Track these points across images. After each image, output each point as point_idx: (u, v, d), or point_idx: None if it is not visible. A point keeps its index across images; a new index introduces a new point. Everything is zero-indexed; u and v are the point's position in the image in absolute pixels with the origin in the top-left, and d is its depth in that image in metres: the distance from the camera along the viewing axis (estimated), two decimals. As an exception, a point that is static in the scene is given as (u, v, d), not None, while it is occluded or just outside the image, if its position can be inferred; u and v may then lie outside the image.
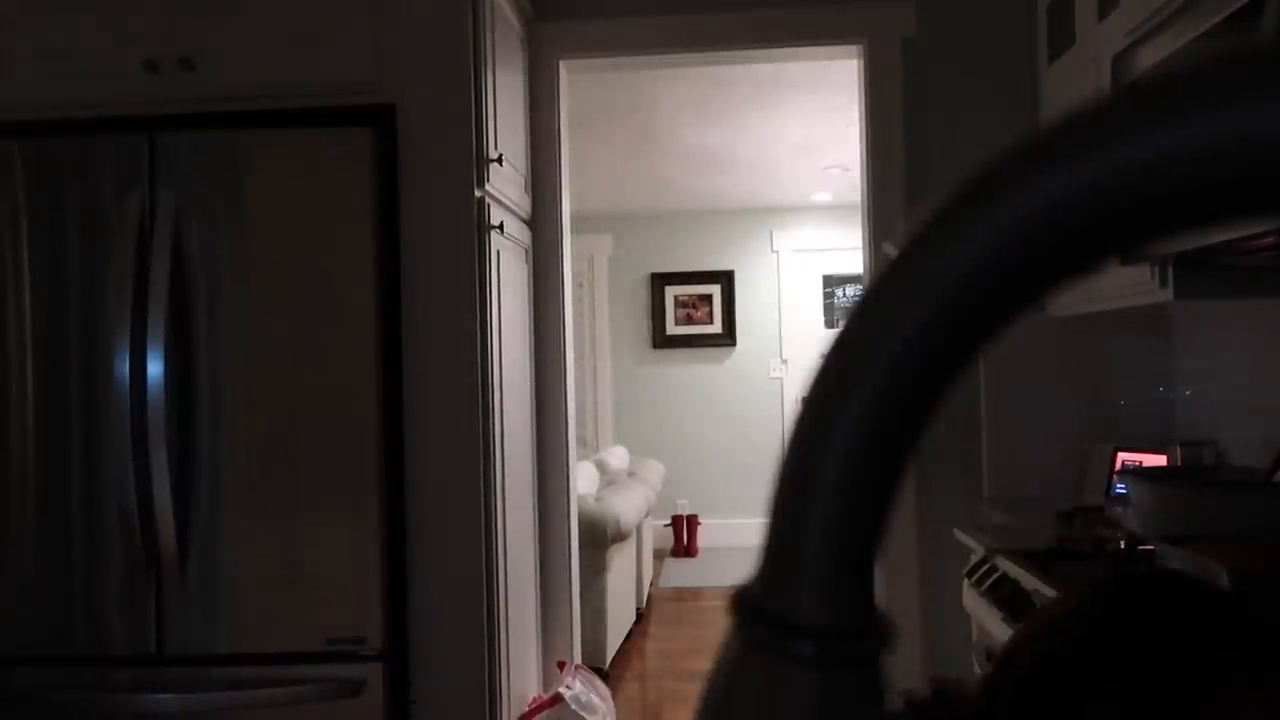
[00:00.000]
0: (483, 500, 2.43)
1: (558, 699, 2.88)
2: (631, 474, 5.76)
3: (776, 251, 7.55)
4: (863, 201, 3.11)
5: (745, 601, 0.27)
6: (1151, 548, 1.83)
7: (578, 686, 2.99)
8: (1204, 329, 2.76)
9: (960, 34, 3.00)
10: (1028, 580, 1.97)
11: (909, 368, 0.25)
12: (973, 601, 2.19)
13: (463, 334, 2.43)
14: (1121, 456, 2.79)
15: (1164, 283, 2.15)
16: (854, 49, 3.07)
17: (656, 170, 6.14)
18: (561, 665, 3.06)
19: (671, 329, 7.59)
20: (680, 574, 6.60)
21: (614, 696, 3.77)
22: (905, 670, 2.85)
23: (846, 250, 7.39)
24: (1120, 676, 0.54)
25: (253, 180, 2.38)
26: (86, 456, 2.36)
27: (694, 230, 7.58)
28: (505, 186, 2.70)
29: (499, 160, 2.58)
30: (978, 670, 2.10)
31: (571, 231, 3.25)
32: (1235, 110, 0.21)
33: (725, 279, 7.54)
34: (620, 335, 7.64)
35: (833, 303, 7.54)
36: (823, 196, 7.09)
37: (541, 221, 3.10)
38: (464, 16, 2.44)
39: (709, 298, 7.58)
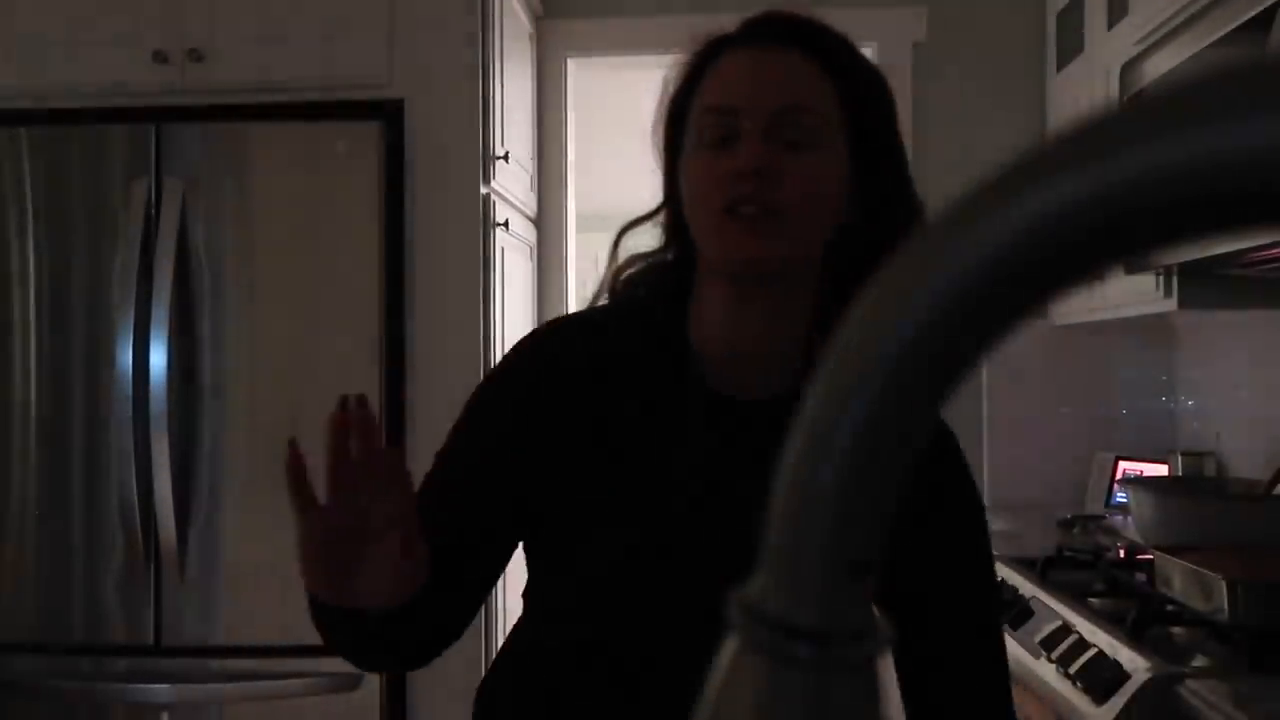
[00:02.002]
0: (483, 497, 2.42)
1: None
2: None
3: (781, 254, 7.54)
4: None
5: (744, 603, 0.27)
6: (1150, 557, 1.83)
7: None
8: (1207, 339, 2.76)
9: (970, 40, 3.00)
10: (1026, 587, 1.97)
11: (908, 372, 0.25)
12: (971, 607, 2.19)
13: (466, 331, 2.43)
14: (1122, 465, 2.79)
15: (1168, 292, 2.15)
16: (863, 52, 3.07)
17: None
18: (558, 663, 3.06)
19: (675, 329, 7.58)
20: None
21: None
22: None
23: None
24: None
25: (259, 172, 2.38)
26: (88, 445, 2.36)
27: (699, 231, 7.57)
28: (511, 184, 2.70)
29: (505, 157, 2.58)
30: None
31: (576, 230, 3.25)
32: (1244, 121, 0.21)
33: (729, 280, 7.53)
34: (623, 334, 7.63)
35: (836, 306, 7.54)
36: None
37: (547, 220, 3.10)
38: (474, 13, 2.44)
39: (713, 299, 7.57)
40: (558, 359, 1.00)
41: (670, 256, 1.02)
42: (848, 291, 0.92)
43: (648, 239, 1.05)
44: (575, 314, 1.09)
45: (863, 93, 0.95)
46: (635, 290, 1.03)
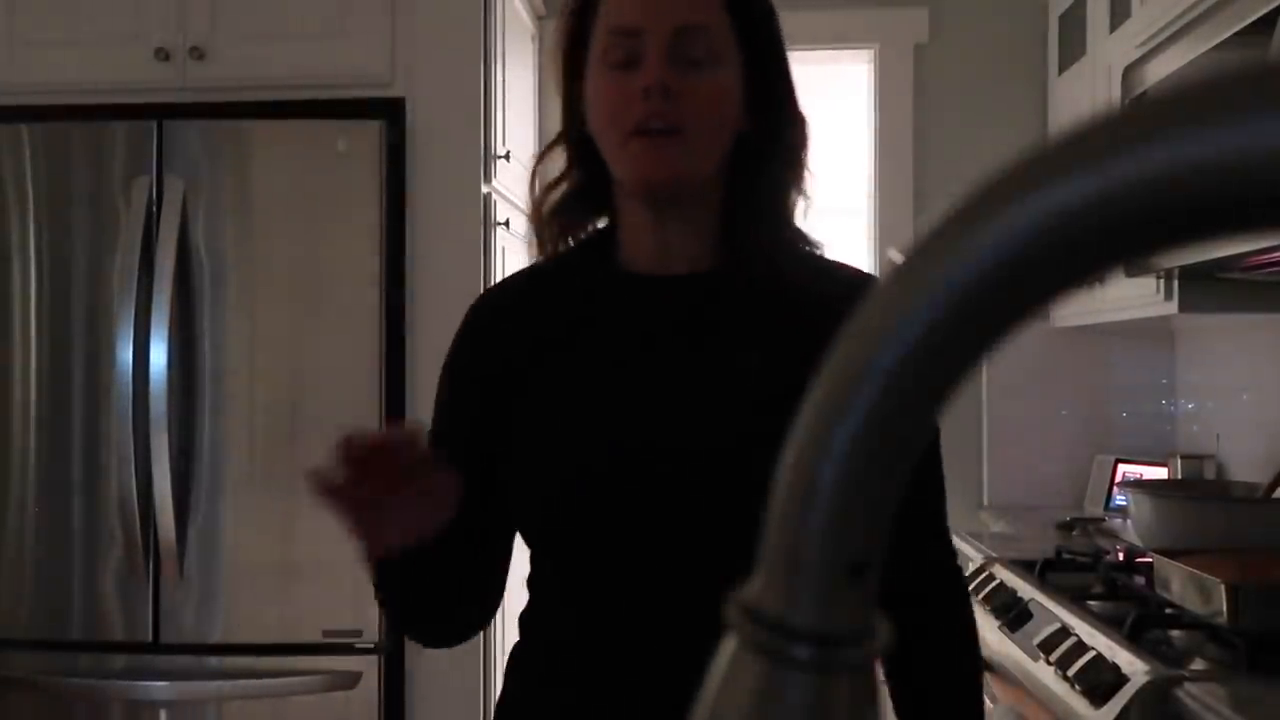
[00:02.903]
0: (482, 496, 2.42)
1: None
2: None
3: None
4: (870, 207, 3.10)
5: (743, 603, 0.27)
6: (1150, 560, 1.83)
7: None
8: (1207, 343, 2.76)
9: (972, 42, 2.99)
10: (1025, 589, 1.96)
11: (909, 374, 0.25)
12: (969, 609, 2.19)
13: (466, 329, 2.43)
14: (1122, 468, 2.79)
15: (1169, 295, 2.15)
16: (865, 54, 3.07)
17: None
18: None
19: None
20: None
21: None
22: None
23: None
24: None
25: (261, 170, 2.38)
26: (88, 442, 2.36)
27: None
28: (512, 183, 2.70)
29: (506, 157, 2.58)
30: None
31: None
32: (1245, 124, 0.21)
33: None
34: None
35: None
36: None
37: (548, 219, 3.09)
38: (476, 12, 2.45)
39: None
40: (493, 306, 1.09)
41: (579, 180, 1.05)
42: (749, 191, 1.02)
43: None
44: (510, 276, 1.18)
45: (753, 11, 1.00)
46: (559, 218, 1.06)
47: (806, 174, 1.06)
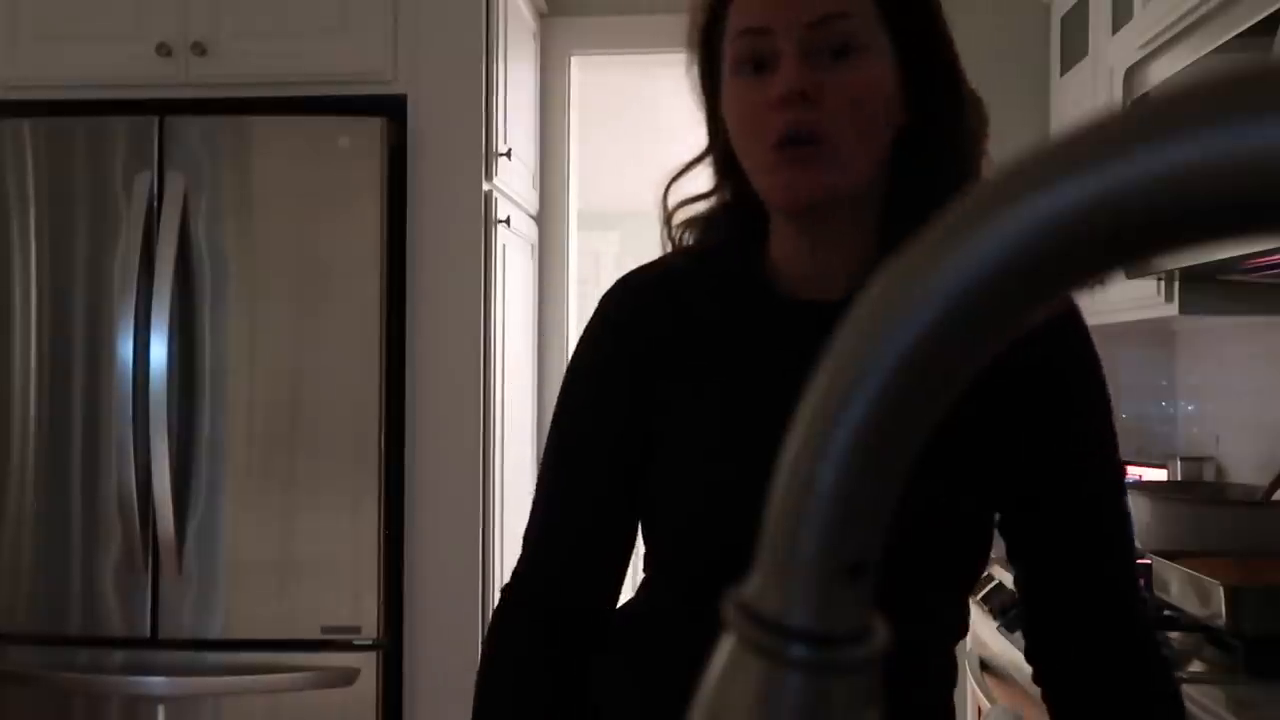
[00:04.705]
0: (482, 492, 2.43)
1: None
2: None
3: (783, 254, 7.52)
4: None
5: (741, 603, 0.27)
6: (1148, 561, 1.83)
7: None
8: (1208, 344, 2.76)
9: (973, 42, 2.98)
10: (1024, 590, 1.96)
11: (910, 372, 0.25)
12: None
13: (467, 327, 2.43)
14: (1122, 470, 2.78)
15: (1169, 297, 2.14)
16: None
17: (665, 168, 6.12)
18: (555, 661, 3.06)
19: (675, 328, 7.55)
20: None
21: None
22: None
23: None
24: None
25: (262, 166, 2.38)
26: (88, 438, 2.36)
27: (701, 230, 7.55)
28: (513, 181, 2.70)
29: (508, 154, 2.58)
30: (973, 680, 2.10)
31: (578, 228, 3.25)
32: (1247, 126, 0.21)
33: (731, 280, 7.51)
34: (624, 333, 7.60)
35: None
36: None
37: (549, 218, 3.10)
38: (478, 9, 2.44)
39: (714, 298, 7.54)
40: (636, 303, 0.98)
41: (727, 196, 0.96)
42: (915, 196, 0.88)
43: (697, 183, 0.99)
44: (645, 268, 1.02)
45: None
46: (703, 237, 0.98)
47: (985, 163, 0.91)
